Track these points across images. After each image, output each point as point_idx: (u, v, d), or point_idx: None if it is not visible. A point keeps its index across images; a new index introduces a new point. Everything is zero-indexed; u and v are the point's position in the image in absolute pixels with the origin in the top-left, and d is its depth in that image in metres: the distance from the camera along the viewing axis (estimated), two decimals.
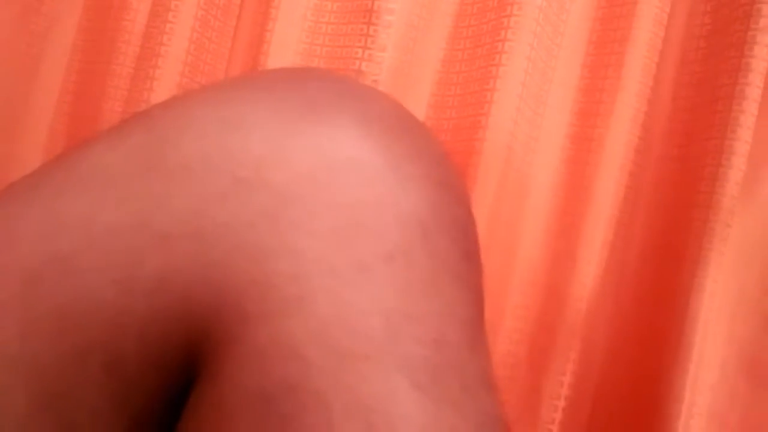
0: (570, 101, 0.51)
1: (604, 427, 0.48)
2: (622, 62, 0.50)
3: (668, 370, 0.44)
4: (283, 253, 0.21)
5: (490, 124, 0.47)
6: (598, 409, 0.48)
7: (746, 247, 0.46)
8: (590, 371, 0.48)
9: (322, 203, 0.22)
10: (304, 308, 0.20)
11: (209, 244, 0.21)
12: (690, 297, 0.45)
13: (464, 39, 0.52)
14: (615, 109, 0.50)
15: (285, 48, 0.52)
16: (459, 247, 0.24)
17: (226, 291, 0.21)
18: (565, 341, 0.49)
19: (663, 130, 0.51)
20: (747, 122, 0.45)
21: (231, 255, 0.21)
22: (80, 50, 0.52)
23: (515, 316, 0.51)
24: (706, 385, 0.45)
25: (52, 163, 0.25)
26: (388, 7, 0.51)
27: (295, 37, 0.53)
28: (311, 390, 0.20)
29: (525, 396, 0.49)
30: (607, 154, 0.50)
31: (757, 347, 0.45)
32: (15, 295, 0.21)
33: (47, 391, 0.21)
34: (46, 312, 0.21)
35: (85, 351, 0.21)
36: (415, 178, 0.23)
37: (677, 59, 0.51)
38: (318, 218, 0.22)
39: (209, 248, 0.21)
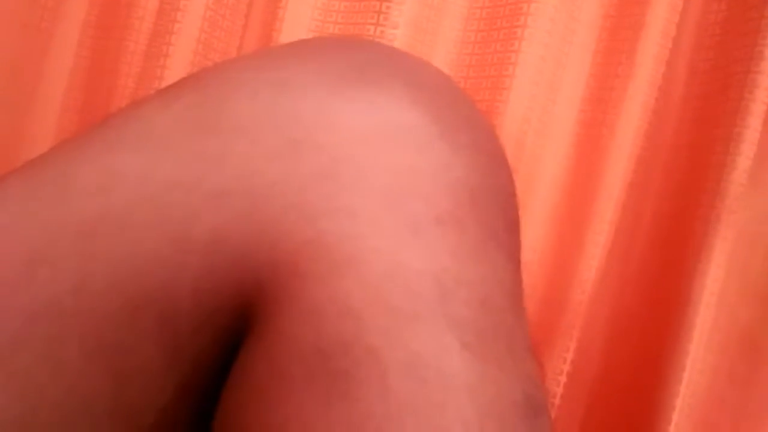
0: (582, 87, 0.52)
1: (603, 408, 0.49)
2: (635, 49, 0.50)
3: (669, 352, 0.46)
4: (335, 212, 0.21)
5: (507, 111, 0.48)
6: (598, 390, 0.50)
7: (750, 233, 0.47)
8: (591, 353, 0.49)
9: (374, 166, 0.22)
10: (358, 267, 0.21)
11: (263, 203, 0.21)
12: (693, 281, 0.46)
13: (478, 20, 0.52)
14: (626, 96, 0.50)
15: (298, 25, 0.52)
16: (504, 217, 0.24)
17: (279, 249, 0.21)
18: (569, 323, 0.50)
19: (675, 117, 0.51)
20: (757, 111, 0.45)
21: (284, 214, 0.21)
22: (92, 26, 0.51)
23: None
24: (707, 366, 0.46)
25: (101, 124, 0.25)
26: None
27: (307, 14, 0.53)
28: (365, 346, 0.20)
29: None
30: (617, 140, 0.50)
31: (758, 331, 0.47)
32: (70, 250, 0.22)
33: (101, 342, 0.21)
34: (101, 266, 0.21)
35: (140, 305, 0.21)
36: (466, 146, 0.24)
37: (691, 46, 0.51)
38: (371, 180, 0.22)
39: (263, 207, 0.21)
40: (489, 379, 0.21)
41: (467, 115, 0.25)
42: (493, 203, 0.24)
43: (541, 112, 0.50)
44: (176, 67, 0.51)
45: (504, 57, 0.49)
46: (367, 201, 0.22)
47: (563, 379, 0.51)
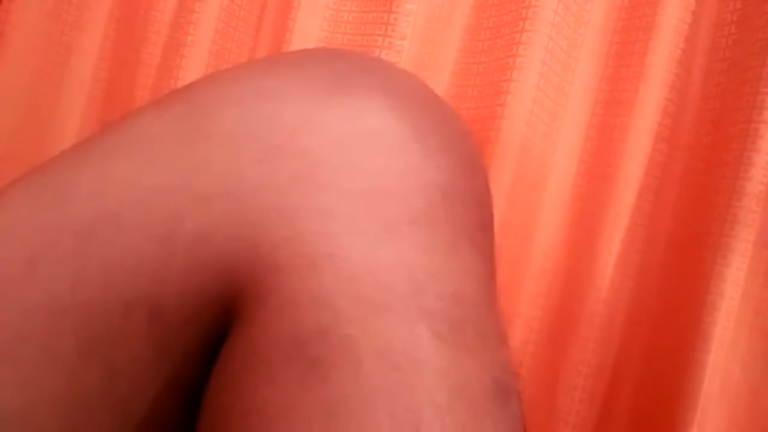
0: (593, 90, 0.51)
1: (621, 416, 0.46)
2: (646, 50, 0.49)
3: (686, 360, 0.43)
4: (313, 212, 0.22)
5: (506, 114, 0.47)
6: (615, 400, 0.47)
7: None
8: (607, 361, 0.47)
9: (351, 168, 0.23)
10: (334, 262, 0.22)
11: (245, 205, 0.22)
12: (710, 285, 0.43)
13: (484, 30, 0.52)
14: (638, 98, 0.49)
15: (307, 36, 0.53)
16: (476, 217, 0.25)
17: (260, 247, 0.22)
18: (584, 331, 0.48)
19: (692, 117, 0.50)
20: None
21: (265, 214, 0.22)
22: (111, 39, 0.54)
23: (534, 305, 0.50)
24: (728, 366, 0.43)
25: (99, 132, 0.26)
26: None
27: (317, 25, 0.54)
28: (341, 335, 0.21)
29: (542, 385, 0.49)
30: (630, 143, 0.49)
31: None
32: (68, 251, 0.23)
33: (94, 338, 0.23)
34: (96, 266, 0.23)
35: (131, 302, 0.22)
36: (439, 150, 0.24)
37: (707, 46, 0.50)
38: (347, 182, 0.23)
39: (245, 208, 0.22)
40: (459, 364, 0.22)
41: (441, 119, 0.26)
42: (465, 203, 0.25)
43: (549, 117, 0.50)
44: (190, 78, 0.52)
45: (504, 62, 0.49)
46: (343, 202, 0.23)
47: (578, 393, 0.48)
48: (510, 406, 0.23)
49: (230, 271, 0.22)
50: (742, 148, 0.45)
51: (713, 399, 0.43)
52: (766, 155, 0.44)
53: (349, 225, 0.22)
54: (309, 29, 0.53)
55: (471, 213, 0.24)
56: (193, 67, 0.52)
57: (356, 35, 0.54)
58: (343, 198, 0.23)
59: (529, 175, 0.49)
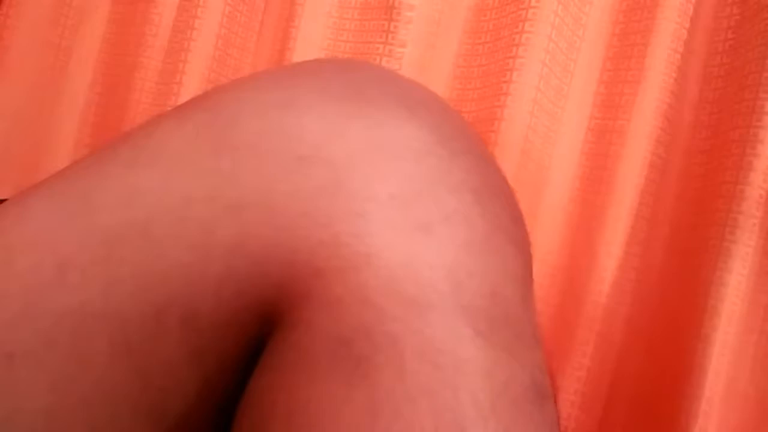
0: (592, 93, 0.51)
1: (619, 423, 0.46)
2: (644, 54, 0.49)
3: (687, 365, 0.43)
4: (347, 216, 0.23)
5: (506, 116, 0.47)
6: (613, 404, 0.47)
7: None
8: (606, 366, 0.47)
9: (379, 175, 0.23)
10: (373, 262, 0.22)
11: (278, 213, 0.23)
12: (711, 290, 0.43)
13: (484, 33, 0.52)
14: (637, 101, 0.49)
15: (309, 43, 0.54)
16: (509, 212, 0.25)
17: (296, 252, 0.22)
18: (583, 336, 0.47)
19: (690, 122, 0.50)
20: None
21: (299, 220, 0.23)
22: (110, 43, 0.54)
23: None
24: (731, 371, 0.43)
25: (118, 142, 0.26)
26: (408, 3, 0.52)
27: (319, 32, 0.54)
28: (384, 333, 0.21)
29: None
30: (629, 146, 0.49)
31: None
32: (98, 257, 0.23)
33: (127, 341, 0.23)
34: (127, 272, 0.23)
35: (164, 307, 0.23)
36: (463, 152, 0.25)
37: (704, 51, 0.50)
38: (377, 188, 0.23)
39: (278, 216, 0.23)
40: (501, 364, 0.22)
41: (457, 124, 0.26)
42: (497, 200, 0.25)
43: (548, 119, 0.50)
44: (192, 84, 0.53)
45: (503, 64, 0.49)
46: (376, 206, 0.23)
47: (577, 399, 0.48)
48: (547, 407, 0.23)
49: (268, 276, 0.22)
50: (742, 153, 0.45)
51: (715, 405, 0.42)
52: (766, 160, 0.44)
53: (385, 226, 0.22)
54: (311, 36, 0.54)
55: (503, 209, 0.25)
56: (195, 73, 0.53)
57: (357, 42, 0.54)
58: (375, 202, 0.23)
59: (529, 177, 0.49)
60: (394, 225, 0.22)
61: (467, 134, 0.26)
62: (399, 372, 0.21)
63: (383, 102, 0.25)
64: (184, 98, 0.52)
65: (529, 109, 0.47)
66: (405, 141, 0.24)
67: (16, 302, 0.23)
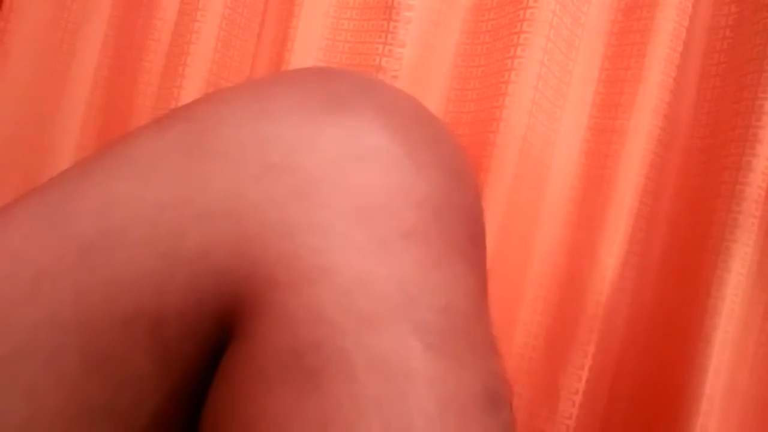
0: (591, 93, 0.51)
1: (620, 421, 0.46)
2: (644, 53, 0.49)
3: (687, 364, 0.43)
4: (309, 228, 0.23)
5: (504, 117, 0.47)
6: (614, 402, 0.47)
7: None
8: (607, 365, 0.47)
9: (345, 186, 0.24)
10: (329, 277, 0.22)
11: (244, 221, 0.23)
12: (711, 289, 0.43)
13: (483, 33, 0.53)
14: (637, 101, 0.49)
15: (308, 44, 0.54)
16: (467, 231, 0.26)
17: (258, 263, 0.23)
18: (584, 334, 0.48)
19: (688, 121, 0.50)
20: None
21: (263, 230, 0.23)
22: (111, 47, 0.54)
23: (534, 309, 0.50)
24: (731, 368, 0.43)
25: (102, 151, 0.27)
26: (407, 4, 0.52)
27: (318, 33, 0.54)
28: (336, 347, 0.22)
29: (542, 390, 0.49)
30: (628, 145, 0.49)
31: None
32: (71, 266, 0.23)
33: (98, 353, 0.23)
34: (99, 281, 0.23)
35: (133, 317, 0.23)
36: (431, 166, 0.25)
37: (702, 50, 0.50)
38: (342, 198, 0.23)
39: (244, 225, 0.23)
40: (450, 374, 0.22)
41: (432, 135, 0.27)
42: (456, 217, 0.25)
43: (547, 119, 0.50)
44: (192, 86, 0.53)
45: (502, 64, 0.49)
46: (338, 218, 0.23)
47: (578, 398, 0.48)
48: (501, 414, 0.23)
49: (229, 287, 0.23)
50: (741, 153, 0.45)
51: (716, 402, 0.43)
52: (765, 160, 0.44)
53: (344, 240, 0.23)
54: (310, 38, 0.54)
55: (462, 227, 0.25)
56: (195, 76, 0.53)
57: (356, 43, 0.54)
58: (338, 214, 0.23)
59: (529, 176, 0.49)
60: (353, 239, 0.23)
61: (440, 145, 0.26)
62: (349, 384, 0.21)
63: (359, 111, 0.25)
64: (184, 101, 0.52)
65: (528, 109, 0.48)
66: (374, 151, 0.24)
67: None
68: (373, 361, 0.22)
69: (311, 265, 0.22)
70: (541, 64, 0.48)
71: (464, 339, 0.23)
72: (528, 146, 0.48)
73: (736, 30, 0.48)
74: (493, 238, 0.47)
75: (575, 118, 0.51)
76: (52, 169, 0.53)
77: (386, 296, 0.22)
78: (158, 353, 0.23)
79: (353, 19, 0.54)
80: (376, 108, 0.26)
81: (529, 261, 0.50)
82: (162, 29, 0.53)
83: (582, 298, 0.48)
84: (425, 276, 0.23)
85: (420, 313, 0.23)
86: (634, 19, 0.50)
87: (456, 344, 0.23)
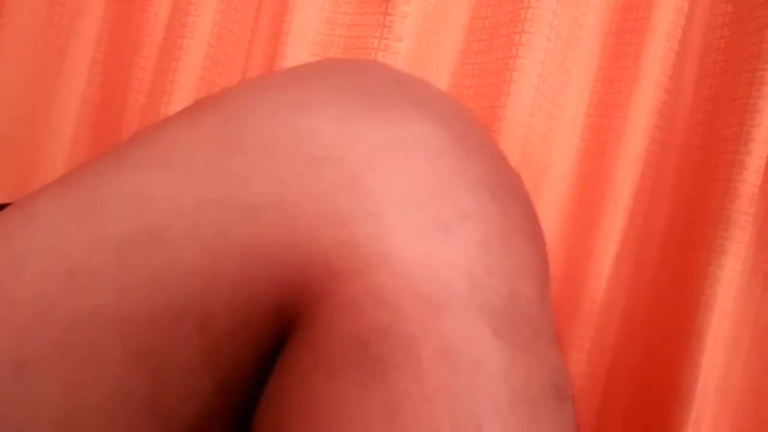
0: (588, 92, 0.51)
1: (617, 416, 0.47)
2: (640, 52, 0.49)
3: (681, 360, 0.44)
4: (363, 216, 0.22)
5: (506, 116, 0.47)
6: (610, 398, 0.48)
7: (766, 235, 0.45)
8: (603, 361, 0.48)
9: (394, 174, 0.23)
10: (390, 262, 0.22)
11: (292, 214, 0.22)
12: (704, 285, 0.44)
13: (481, 30, 0.52)
14: (633, 100, 0.49)
15: (303, 39, 0.53)
16: (524, 210, 0.25)
17: (312, 253, 0.22)
18: (581, 330, 0.48)
19: (685, 119, 0.51)
20: (767, 108, 0.44)
21: (314, 221, 0.22)
22: (105, 42, 0.53)
23: None
24: (725, 365, 0.44)
25: (127, 144, 0.26)
26: None
27: (312, 28, 0.54)
28: (401, 334, 0.21)
29: None
30: (625, 144, 0.49)
31: None
32: (109, 262, 0.23)
33: (142, 347, 0.22)
34: (140, 277, 0.23)
35: (178, 312, 0.22)
36: (477, 150, 0.25)
37: (699, 49, 0.50)
38: (392, 187, 0.23)
39: (292, 217, 0.22)
40: (518, 364, 0.22)
41: (470, 123, 0.26)
42: (513, 198, 0.25)
43: (545, 118, 0.50)
44: (186, 82, 0.52)
45: (503, 63, 0.49)
46: (392, 205, 0.22)
47: (575, 393, 0.49)
48: (566, 408, 0.23)
49: (283, 279, 0.22)
50: (735, 151, 0.45)
51: (709, 397, 0.44)
52: (759, 158, 0.45)
53: (401, 225, 0.22)
54: (304, 32, 0.53)
55: (519, 207, 0.25)
56: (189, 71, 0.52)
57: (352, 37, 0.53)
58: (391, 201, 0.22)
59: (528, 176, 0.50)
60: (410, 224, 0.22)
61: (480, 132, 0.26)
62: (416, 372, 0.21)
63: (395, 101, 0.25)
64: (177, 96, 0.52)
65: (529, 110, 0.48)
66: (419, 140, 0.24)
67: (27, 310, 0.22)
68: (439, 349, 0.21)
69: (370, 251, 0.22)
70: (542, 65, 0.48)
71: (530, 327, 0.22)
72: (528, 146, 0.49)
73: (732, 29, 0.49)
74: None
75: (572, 117, 0.51)
76: (47, 166, 0.52)
77: (450, 280, 0.22)
78: (206, 349, 0.23)
79: (348, 13, 0.54)
80: (412, 99, 0.25)
81: None
82: (156, 24, 0.52)
83: (579, 295, 0.49)
84: (489, 259, 0.22)
85: (486, 297, 0.22)
86: (631, 18, 0.50)
87: (523, 332, 0.22)
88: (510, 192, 0.25)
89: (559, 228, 0.51)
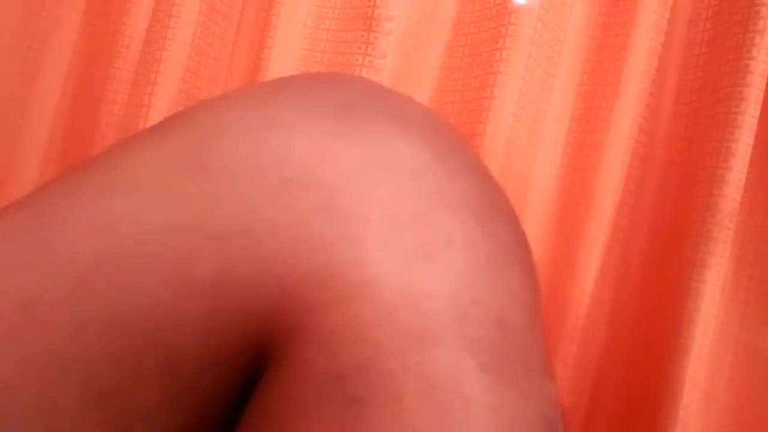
0: (569, 108, 0.52)
1: (600, 430, 0.47)
2: (621, 68, 0.50)
3: (665, 375, 0.44)
4: (341, 242, 0.21)
5: (487, 132, 0.47)
6: (595, 414, 0.47)
7: (746, 250, 0.45)
8: (587, 375, 0.48)
9: (374, 196, 0.22)
10: (370, 293, 0.20)
11: (263, 241, 0.21)
12: (687, 301, 0.44)
13: (462, 47, 0.53)
14: (614, 115, 0.50)
15: (286, 54, 0.53)
16: (512, 232, 0.24)
17: (285, 283, 0.21)
18: (565, 346, 0.48)
19: (665, 135, 0.51)
20: (746, 123, 0.45)
21: (287, 248, 0.21)
22: (81, 54, 0.52)
23: None
24: (707, 380, 0.44)
25: (89, 163, 0.24)
26: (388, 15, 0.52)
27: (295, 43, 0.53)
28: (381, 370, 0.20)
29: None
30: (606, 159, 0.50)
31: (759, 345, 0.45)
32: (66, 295, 0.21)
33: (101, 390, 0.21)
34: (99, 312, 0.21)
35: (140, 351, 0.21)
36: (462, 169, 0.23)
37: (679, 65, 0.51)
38: (372, 210, 0.21)
39: (264, 244, 0.21)
40: (508, 401, 0.20)
41: (454, 140, 0.25)
42: (499, 219, 0.23)
43: (527, 134, 0.50)
44: (164, 95, 0.51)
45: (484, 80, 0.49)
46: (371, 229, 0.21)
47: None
48: None
49: (254, 312, 0.21)
50: (716, 166, 0.46)
51: (693, 413, 0.43)
52: (739, 173, 0.45)
53: (381, 252, 0.21)
54: (287, 47, 0.53)
55: (507, 228, 0.23)
56: (168, 84, 0.51)
57: (335, 54, 0.53)
58: (370, 226, 0.21)
59: (510, 191, 0.49)
60: (391, 251, 0.21)
61: (464, 150, 0.25)
62: (396, 413, 0.19)
63: (374, 118, 0.23)
64: (156, 110, 0.51)
65: (510, 125, 0.48)
66: (400, 158, 0.22)
67: None
68: (422, 386, 0.19)
69: (347, 281, 0.20)
70: (524, 80, 0.48)
71: (520, 358, 0.21)
72: (510, 161, 0.48)
73: (710, 46, 0.50)
74: None
75: (554, 133, 0.51)
76: (19, 180, 0.51)
77: (434, 311, 0.20)
78: (171, 390, 0.21)
79: (332, 30, 0.53)
80: (393, 115, 0.24)
81: None
82: (132, 36, 0.51)
83: (563, 310, 0.49)
84: (475, 286, 0.21)
85: (472, 328, 0.21)
86: (612, 35, 0.51)
87: (512, 365, 0.21)
88: (497, 213, 0.23)
89: (541, 243, 0.51)
